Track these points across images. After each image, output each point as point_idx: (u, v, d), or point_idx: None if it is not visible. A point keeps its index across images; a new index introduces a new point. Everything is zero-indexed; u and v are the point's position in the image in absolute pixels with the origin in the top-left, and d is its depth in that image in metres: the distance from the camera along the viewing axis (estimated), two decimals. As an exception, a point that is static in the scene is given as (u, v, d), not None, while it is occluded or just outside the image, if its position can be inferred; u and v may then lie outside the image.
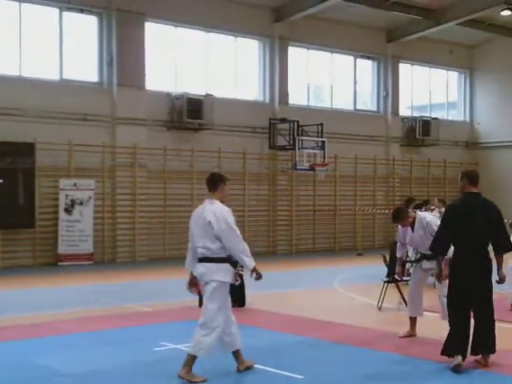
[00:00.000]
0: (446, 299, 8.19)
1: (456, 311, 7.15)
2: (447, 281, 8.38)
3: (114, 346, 8.19)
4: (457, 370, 6.90)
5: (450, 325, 7.21)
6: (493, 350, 7.18)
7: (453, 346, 7.09)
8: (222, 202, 7.01)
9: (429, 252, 8.48)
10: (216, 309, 6.71)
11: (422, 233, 8.45)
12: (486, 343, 7.15)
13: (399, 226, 8.88)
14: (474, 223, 7.10)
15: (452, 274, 7.26)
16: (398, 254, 9.08)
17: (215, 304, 6.72)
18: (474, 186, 7.32)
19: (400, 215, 8.66)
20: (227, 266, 6.79)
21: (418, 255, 8.78)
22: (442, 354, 7.17)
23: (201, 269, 6.81)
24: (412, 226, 8.55)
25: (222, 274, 6.75)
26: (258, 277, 6.88)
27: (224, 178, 7.11)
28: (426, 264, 8.59)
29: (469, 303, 7.14)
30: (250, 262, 6.78)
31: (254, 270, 6.84)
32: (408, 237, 8.68)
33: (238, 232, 6.81)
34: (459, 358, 6.97)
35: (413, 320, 8.72)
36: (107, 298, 12.09)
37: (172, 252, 19.83)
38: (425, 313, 9.09)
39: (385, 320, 10.06)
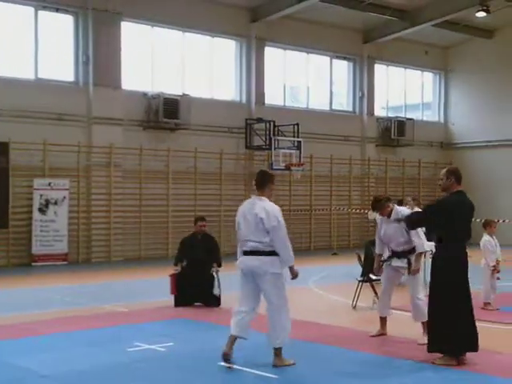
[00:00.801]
0: (420, 301, 8.31)
1: (462, 310, 7.19)
2: (420, 281, 8.49)
3: (89, 346, 8.17)
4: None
5: (441, 323, 7.18)
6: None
7: (457, 343, 7.18)
8: (270, 198, 7.32)
9: (400, 249, 8.54)
10: (284, 297, 7.18)
11: (396, 225, 8.48)
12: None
13: (378, 220, 8.92)
14: (467, 222, 7.34)
15: (456, 272, 7.23)
16: (377, 251, 9.01)
17: (282, 294, 7.16)
18: (460, 184, 7.45)
19: (379, 202, 8.71)
20: (277, 258, 7.15)
21: (390, 253, 8.76)
22: (455, 353, 7.21)
23: (254, 262, 7.14)
24: (389, 216, 8.60)
25: (277, 265, 7.12)
26: (294, 276, 7.26)
27: (273, 178, 7.45)
28: (396, 262, 8.59)
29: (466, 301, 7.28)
30: (291, 259, 7.14)
31: (291, 268, 7.19)
32: (382, 229, 8.69)
33: (285, 231, 7.13)
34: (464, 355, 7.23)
35: (383, 319, 8.77)
36: (82, 299, 12.04)
37: (147, 252, 19.81)
38: (397, 312, 9.19)
39: (359, 319, 10.14)
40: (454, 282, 7.18)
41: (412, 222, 7.73)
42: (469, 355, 7.26)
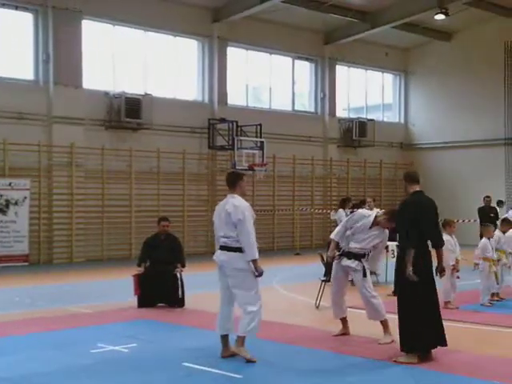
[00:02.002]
0: (375, 299, 8.40)
1: (428, 307, 7.36)
2: (369, 279, 8.58)
3: (50, 348, 8.09)
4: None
5: (413, 321, 7.29)
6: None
7: (429, 340, 7.34)
8: (243, 195, 7.67)
9: (355, 251, 8.55)
10: (254, 293, 7.30)
11: (376, 232, 8.46)
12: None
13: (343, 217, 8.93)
14: (427, 221, 7.44)
15: (423, 270, 7.33)
16: (337, 238, 8.66)
17: (251, 289, 7.29)
18: (417, 184, 7.66)
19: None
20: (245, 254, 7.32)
21: (340, 252, 8.65)
22: (416, 349, 7.32)
23: (223, 256, 7.42)
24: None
25: (243, 261, 7.30)
26: (258, 273, 7.31)
27: (242, 176, 7.80)
28: (345, 261, 8.53)
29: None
30: (253, 253, 7.26)
31: (254, 262, 7.26)
32: (361, 222, 8.52)
33: (251, 226, 7.37)
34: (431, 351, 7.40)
35: (343, 319, 8.81)
36: (43, 300, 11.90)
37: (110, 253, 19.67)
38: (357, 311, 9.28)
39: (322, 318, 10.21)
40: (421, 280, 7.27)
41: (409, 245, 7.49)
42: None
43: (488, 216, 18.48)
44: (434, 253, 7.56)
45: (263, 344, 8.01)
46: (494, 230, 12.13)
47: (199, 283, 12.67)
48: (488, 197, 19.58)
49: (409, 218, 7.39)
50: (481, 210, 19.30)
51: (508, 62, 25.27)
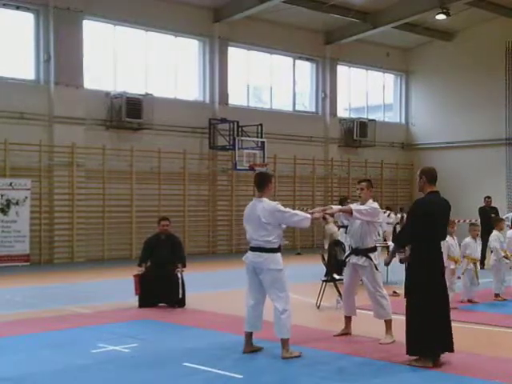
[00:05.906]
0: (384, 299, 8.39)
1: (438, 310, 7.16)
2: (380, 277, 8.57)
3: (50, 348, 8.09)
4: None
5: (424, 323, 7.09)
6: None
7: (436, 343, 7.17)
8: (271, 197, 7.80)
9: (361, 246, 8.55)
10: (286, 293, 7.50)
11: (359, 221, 8.48)
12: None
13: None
14: (441, 222, 7.29)
15: (433, 273, 7.17)
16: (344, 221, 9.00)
17: (284, 289, 7.49)
18: (434, 184, 7.40)
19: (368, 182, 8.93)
20: (279, 255, 7.61)
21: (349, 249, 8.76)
22: (425, 352, 7.15)
23: (256, 258, 7.56)
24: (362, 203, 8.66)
25: (277, 262, 7.53)
26: (317, 217, 7.86)
27: (271, 178, 7.96)
28: (353, 258, 8.56)
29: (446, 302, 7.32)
30: (305, 219, 7.64)
31: (313, 219, 7.74)
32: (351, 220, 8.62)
33: (287, 209, 7.61)
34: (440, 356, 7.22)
35: (347, 319, 8.82)
36: (44, 300, 11.91)
37: (111, 253, 19.67)
38: (360, 311, 9.28)
39: (323, 318, 10.23)
40: (432, 282, 7.13)
41: (400, 241, 7.57)
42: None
43: (489, 216, 18.44)
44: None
45: (263, 344, 8.00)
46: (492, 230, 12.20)
47: (200, 283, 12.68)
48: (489, 197, 19.55)
49: (424, 218, 7.10)
50: (481, 210, 19.26)
51: (509, 62, 25.25)
